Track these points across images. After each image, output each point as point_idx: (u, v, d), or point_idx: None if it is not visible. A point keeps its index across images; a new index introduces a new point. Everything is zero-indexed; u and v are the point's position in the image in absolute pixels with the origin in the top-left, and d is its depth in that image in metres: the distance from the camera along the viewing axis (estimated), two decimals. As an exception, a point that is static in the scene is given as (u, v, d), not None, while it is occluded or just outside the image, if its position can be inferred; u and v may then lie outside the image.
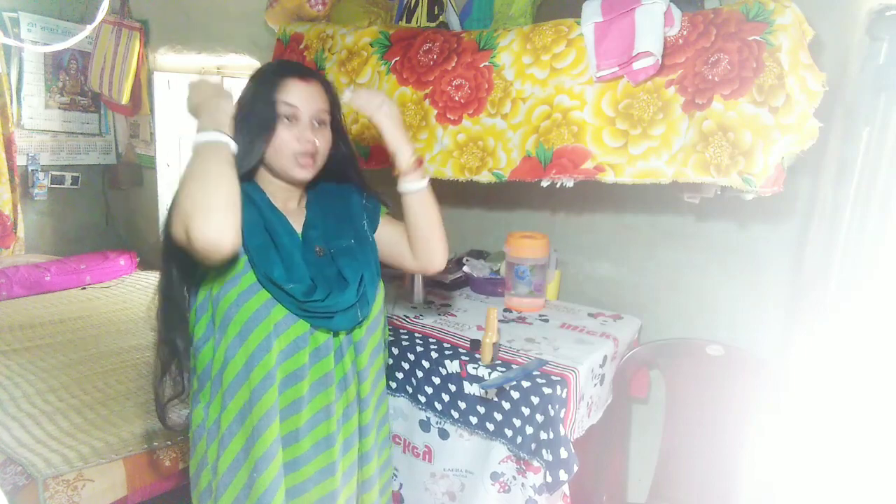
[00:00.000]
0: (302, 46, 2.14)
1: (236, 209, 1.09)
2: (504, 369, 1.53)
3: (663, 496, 1.85)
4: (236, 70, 3.30)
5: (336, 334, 1.29)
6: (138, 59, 3.71)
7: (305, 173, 1.28)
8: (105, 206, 4.42)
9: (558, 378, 1.49)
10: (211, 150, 1.12)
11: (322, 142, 1.28)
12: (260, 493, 1.21)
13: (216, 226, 1.05)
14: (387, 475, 1.50)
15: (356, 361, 1.34)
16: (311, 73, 1.31)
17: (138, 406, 2.25)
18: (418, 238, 1.36)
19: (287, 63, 1.36)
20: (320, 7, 2.19)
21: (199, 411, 1.28)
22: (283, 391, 1.23)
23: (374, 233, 1.40)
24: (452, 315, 1.91)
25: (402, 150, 1.32)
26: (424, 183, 1.34)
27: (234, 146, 1.15)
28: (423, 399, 1.66)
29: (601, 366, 1.69)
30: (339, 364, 1.30)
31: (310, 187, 1.37)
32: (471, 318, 1.88)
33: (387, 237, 1.41)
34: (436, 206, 1.36)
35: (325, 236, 1.33)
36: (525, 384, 1.47)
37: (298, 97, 1.25)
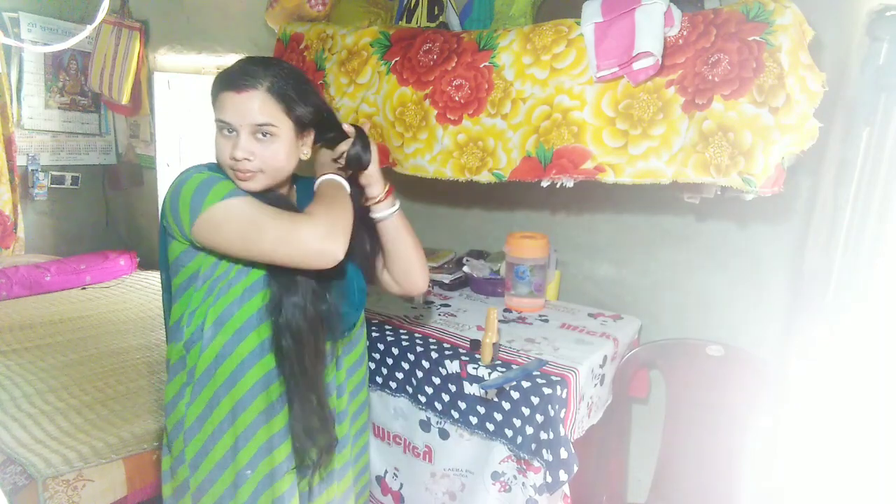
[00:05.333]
0: (302, 46, 2.14)
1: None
2: (504, 369, 1.53)
3: (663, 496, 1.85)
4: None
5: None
6: (138, 59, 3.71)
7: (248, 185, 1.17)
8: (105, 206, 4.42)
9: (558, 378, 1.49)
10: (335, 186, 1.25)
11: (266, 154, 1.15)
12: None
13: (340, 245, 1.12)
14: (364, 480, 1.50)
15: (336, 376, 1.33)
16: (248, 82, 1.13)
17: (138, 406, 2.26)
18: (399, 260, 1.36)
19: (228, 72, 1.17)
20: (320, 7, 2.19)
21: (181, 407, 1.25)
22: (255, 397, 1.22)
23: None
24: (452, 315, 1.91)
25: (376, 183, 1.32)
26: (397, 206, 1.34)
27: (346, 186, 1.25)
28: (423, 399, 1.66)
29: (601, 366, 1.69)
30: None
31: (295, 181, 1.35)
32: (471, 318, 1.88)
33: None
34: (410, 228, 1.36)
35: None
36: (525, 384, 1.47)
37: (231, 112, 1.14)
